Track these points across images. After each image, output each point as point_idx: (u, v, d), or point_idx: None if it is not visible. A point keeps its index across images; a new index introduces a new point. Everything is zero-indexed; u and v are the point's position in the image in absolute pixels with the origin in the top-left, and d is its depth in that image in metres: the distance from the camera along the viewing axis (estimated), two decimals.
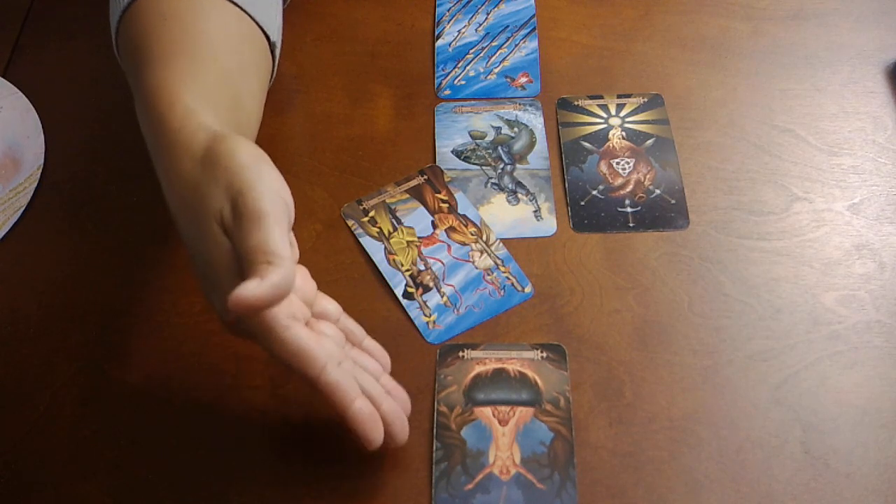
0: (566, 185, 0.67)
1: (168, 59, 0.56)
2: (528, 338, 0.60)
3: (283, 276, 0.46)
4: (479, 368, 0.58)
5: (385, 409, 0.51)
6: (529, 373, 0.58)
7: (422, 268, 0.63)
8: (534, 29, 0.77)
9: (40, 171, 0.70)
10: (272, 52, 0.64)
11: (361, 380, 0.51)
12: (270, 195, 0.48)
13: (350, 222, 0.66)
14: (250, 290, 0.45)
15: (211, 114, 0.53)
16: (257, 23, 0.62)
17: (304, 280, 0.52)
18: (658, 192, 0.66)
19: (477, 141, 0.70)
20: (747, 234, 0.64)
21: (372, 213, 0.66)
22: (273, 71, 0.65)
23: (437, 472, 0.54)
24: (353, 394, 0.49)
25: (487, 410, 0.56)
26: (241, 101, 0.59)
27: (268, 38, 0.63)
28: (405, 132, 0.71)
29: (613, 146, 0.69)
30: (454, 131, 0.71)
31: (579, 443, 0.55)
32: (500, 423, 0.56)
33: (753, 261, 0.62)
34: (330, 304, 0.54)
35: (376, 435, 0.50)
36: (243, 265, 0.47)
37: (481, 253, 0.64)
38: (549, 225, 0.65)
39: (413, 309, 0.61)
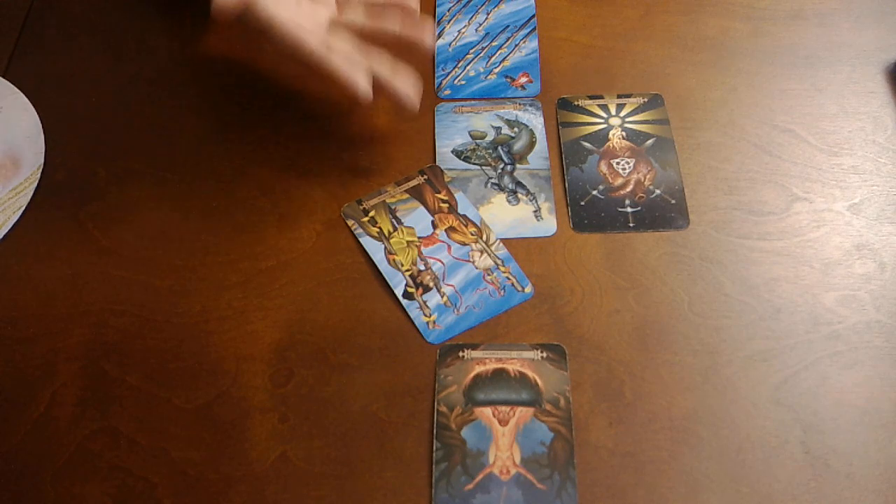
0: (566, 185, 0.67)
1: None
2: (528, 338, 0.60)
3: None
4: (479, 368, 0.58)
5: (397, 84, 0.65)
6: (529, 373, 0.58)
7: (422, 268, 0.63)
8: (534, 29, 0.77)
9: (40, 171, 0.70)
10: None
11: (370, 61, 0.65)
12: None
13: (350, 222, 0.66)
14: None
15: None
16: None
17: None
18: (658, 192, 0.66)
19: (477, 141, 0.70)
20: (747, 234, 0.64)
21: (372, 213, 0.66)
22: None
23: (437, 472, 0.54)
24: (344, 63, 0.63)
25: (487, 410, 0.56)
26: None
27: None
28: (405, 132, 0.71)
29: (613, 146, 0.69)
30: (454, 131, 0.71)
31: (579, 443, 0.55)
32: (500, 423, 0.56)
33: (753, 261, 0.62)
34: None
35: (361, 81, 0.63)
36: None
37: (481, 253, 0.64)
38: (549, 225, 0.65)
39: (413, 309, 0.61)
